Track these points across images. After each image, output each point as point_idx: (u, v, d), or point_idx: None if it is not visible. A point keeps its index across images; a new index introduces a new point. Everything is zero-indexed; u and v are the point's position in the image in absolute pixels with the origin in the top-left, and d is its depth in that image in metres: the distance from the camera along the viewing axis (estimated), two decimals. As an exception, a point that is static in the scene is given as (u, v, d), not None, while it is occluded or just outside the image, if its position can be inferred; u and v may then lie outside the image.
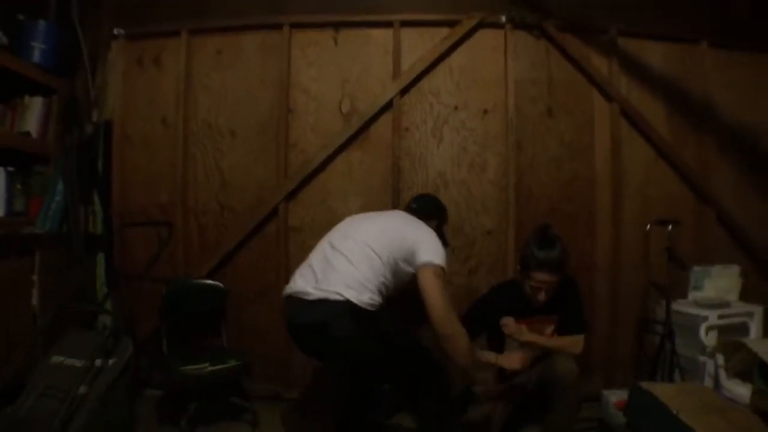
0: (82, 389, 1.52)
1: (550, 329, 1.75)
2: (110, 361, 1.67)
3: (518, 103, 2.15)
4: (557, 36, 2.19)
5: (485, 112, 2.18)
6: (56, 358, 1.67)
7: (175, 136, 2.30)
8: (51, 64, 2.18)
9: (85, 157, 2.32)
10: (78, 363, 1.63)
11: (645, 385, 1.55)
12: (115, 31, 2.39)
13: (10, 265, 1.90)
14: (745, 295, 2.12)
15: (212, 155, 2.29)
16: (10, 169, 2.05)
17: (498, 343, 1.79)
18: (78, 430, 1.43)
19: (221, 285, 2.14)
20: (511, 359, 1.66)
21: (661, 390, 1.50)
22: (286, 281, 2.14)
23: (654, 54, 2.29)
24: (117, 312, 2.27)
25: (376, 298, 1.40)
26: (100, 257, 2.41)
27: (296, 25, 2.23)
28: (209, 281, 2.16)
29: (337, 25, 2.21)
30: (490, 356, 1.69)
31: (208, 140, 2.29)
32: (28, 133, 2.16)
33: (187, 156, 2.29)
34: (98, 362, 1.62)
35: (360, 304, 1.35)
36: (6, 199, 2.04)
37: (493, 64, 2.18)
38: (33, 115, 2.20)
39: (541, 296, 1.67)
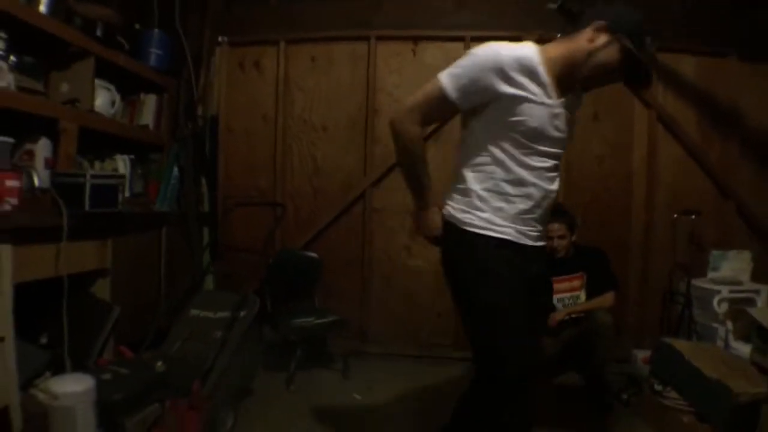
0: (219, 334, 1.79)
1: (578, 284, 2.18)
2: (241, 313, 1.95)
3: (569, 108, 2.54)
4: (605, 50, 2.55)
5: (541, 115, 2.57)
6: (194, 311, 1.99)
7: (274, 129, 2.74)
8: (163, 66, 2.55)
9: (195, 146, 2.79)
10: (211, 315, 1.94)
11: (666, 340, 1.96)
12: (219, 39, 2.81)
13: (145, 237, 2.30)
14: (756, 276, 2.49)
15: (307, 147, 2.72)
16: (131, 156, 2.42)
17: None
18: (221, 367, 1.67)
19: (317, 255, 2.59)
20: (552, 317, 2.10)
21: (679, 344, 1.91)
22: (369, 254, 2.64)
23: (687, 66, 2.63)
24: (220, 278, 2.76)
25: None
26: (206, 232, 2.89)
27: (381, 38, 2.63)
28: (308, 252, 2.60)
29: (416, 39, 2.61)
30: None
31: (303, 134, 2.73)
32: (146, 126, 2.56)
33: (285, 147, 2.73)
34: (236, 314, 1.90)
35: None
36: (129, 182, 2.39)
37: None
38: (148, 110, 2.58)
39: (555, 242, 2.12)
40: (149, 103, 2.61)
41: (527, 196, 1.13)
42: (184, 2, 2.75)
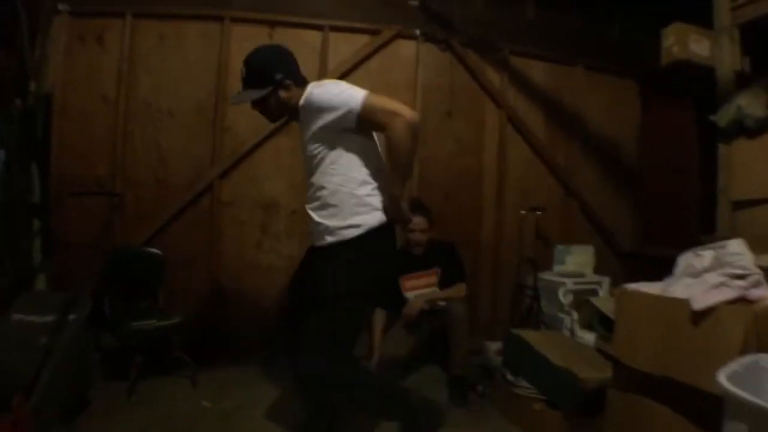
0: (44, 341, 1.59)
1: (432, 279, 2.24)
2: (70, 316, 1.75)
3: (424, 104, 2.57)
4: (460, 50, 2.63)
5: (397, 110, 2.57)
6: (17, 316, 1.74)
7: (115, 112, 2.47)
8: None
9: (25, 127, 2.44)
10: (36, 319, 1.72)
11: (516, 331, 2.03)
12: (59, 6, 2.49)
13: None
14: (599, 269, 2.69)
15: (151, 132, 2.49)
16: None
17: (401, 305, 2.23)
18: (47, 378, 1.50)
19: (159, 252, 2.36)
20: (410, 307, 2.13)
21: (527, 334, 1.98)
22: (218, 250, 2.47)
23: (538, 72, 2.79)
24: (53, 276, 2.44)
25: None
26: (36, 224, 2.55)
27: (236, 20, 2.48)
28: (150, 249, 2.37)
29: (273, 24, 2.49)
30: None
31: (147, 118, 2.49)
32: None
33: (126, 132, 2.47)
34: (63, 317, 1.70)
35: None
36: None
37: (405, 70, 2.58)
38: None
39: (417, 236, 2.21)
40: None
41: None
42: None
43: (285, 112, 1.41)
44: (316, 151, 1.31)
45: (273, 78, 1.35)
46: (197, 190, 2.45)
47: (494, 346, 2.42)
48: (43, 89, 2.52)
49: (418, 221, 2.18)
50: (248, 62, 1.40)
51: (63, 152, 2.49)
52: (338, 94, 1.27)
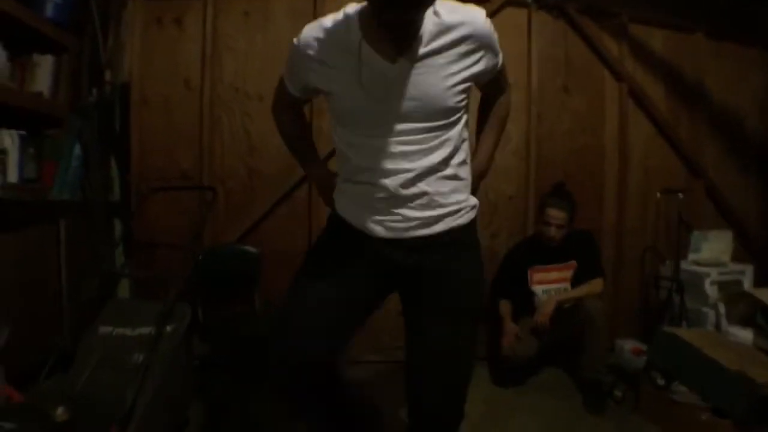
0: (139, 358, 1.41)
1: (569, 273, 2.00)
2: (168, 328, 1.56)
3: (539, 78, 2.30)
4: (575, 17, 2.35)
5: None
6: (104, 328, 1.57)
7: (199, 99, 2.27)
8: (64, 20, 2.05)
9: (102, 120, 2.27)
10: (128, 332, 1.55)
11: (669, 330, 1.78)
12: (133, -12, 2.31)
13: (36, 234, 1.83)
14: (734, 257, 2.40)
15: (240, 119, 2.28)
16: (21, 132, 1.90)
17: (526, 300, 1.98)
18: (146, 403, 1.33)
19: (254, 250, 2.17)
20: (542, 313, 1.89)
21: (684, 333, 1.74)
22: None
23: (657, 40, 2.50)
24: (139, 277, 2.27)
25: None
26: (117, 225, 2.38)
27: (327, -9, 2.25)
28: (244, 246, 2.18)
29: (370, -6, 2.26)
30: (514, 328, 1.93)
31: (235, 104, 2.28)
32: (39, 94, 2.04)
33: (213, 120, 2.27)
34: (160, 329, 1.50)
35: None
36: (18, 165, 1.89)
37: (517, 41, 2.31)
38: (44, 74, 2.06)
39: (552, 231, 1.95)
40: (45, 65, 2.07)
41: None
42: None
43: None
44: (461, 104, 0.93)
45: None
46: (293, 181, 2.23)
47: (629, 345, 2.19)
48: (120, 78, 2.34)
49: (556, 215, 1.93)
50: None
51: (144, 145, 2.30)
52: None
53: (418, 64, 0.88)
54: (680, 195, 2.19)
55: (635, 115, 2.43)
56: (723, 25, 2.60)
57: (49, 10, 2.00)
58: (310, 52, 0.94)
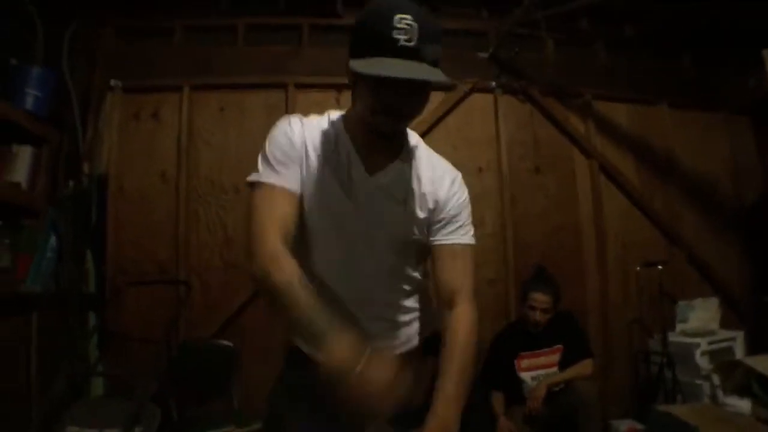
0: None
1: (556, 357, 1.96)
2: (137, 430, 1.57)
3: (510, 161, 2.35)
4: (540, 99, 2.43)
5: (480, 169, 2.35)
6: (73, 429, 1.59)
7: (175, 191, 2.29)
8: (43, 112, 2.09)
9: (78, 211, 2.27)
10: None
11: (662, 408, 1.70)
12: (112, 83, 2.37)
13: (6, 327, 1.80)
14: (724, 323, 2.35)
15: (215, 212, 2.29)
16: None
17: (515, 388, 1.95)
18: None
19: (232, 345, 2.11)
20: (534, 398, 1.85)
21: (678, 410, 1.63)
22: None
23: (621, 115, 2.58)
24: (111, 375, 2.20)
25: None
26: (91, 317, 2.33)
27: (300, 86, 2.33)
28: (221, 341, 2.12)
29: (340, 87, 2.33)
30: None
31: (211, 196, 2.30)
32: (18, 184, 2.05)
33: (189, 212, 2.28)
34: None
35: None
36: None
37: (485, 126, 2.38)
38: (22, 165, 2.07)
39: (538, 315, 1.93)
40: (23, 156, 2.08)
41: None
42: (73, 37, 2.33)
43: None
44: (421, 241, 0.91)
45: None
46: (269, 273, 2.22)
47: (623, 427, 2.13)
48: (97, 170, 2.37)
49: (541, 298, 1.92)
50: (426, 20, 0.76)
51: (120, 237, 2.30)
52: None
53: (389, 184, 0.87)
54: (659, 267, 2.19)
55: (608, 190, 2.47)
56: (685, 94, 2.70)
57: (29, 103, 2.04)
58: (298, 140, 0.88)
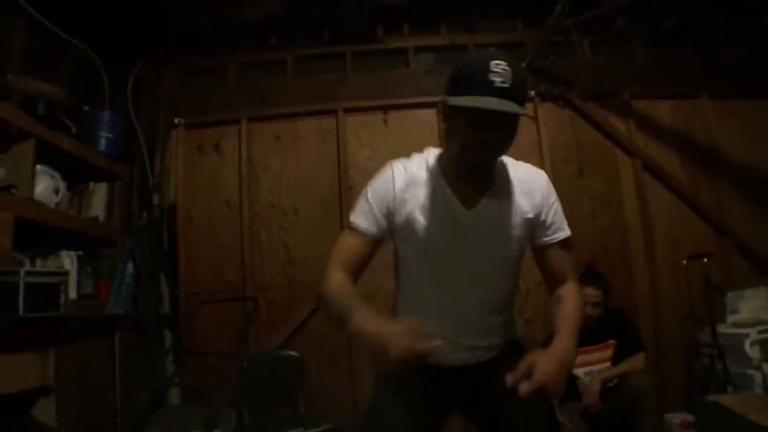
0: None
1: (606, 353, 2.00)
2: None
3: (553, 165, 2.42)
4: (579, 104, 2.49)
5: (525, 175, 2.42)
6: None
7: (239, 216, 2.48)
8: (115, 151, 2.35)
9: (151, 239, 2.49)
10: None
11: (711, 398, 1.72)
12: (176, 121, 2.59)
13: (93, 346, 2.02)
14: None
15: (277, 233, 2.47)
16: (79, 253, 2.16)
17: (569, 385, 1.98)
18: None
19: (297, 354, 2.27)
20: (589, 394, 1.90)
21: (725, 400, 1.67)
22: (358, 346, 2.33)
23: (663, 111, 2.59)
24: (187, 389, 2.39)
25: None
26: (167, 335, 2.54)
27: (349, 110, 2.48)
28: (287, 352, 2.29)
29: (386, 108, 2.47)
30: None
31: (272, 219, 2.48)
32: (96, 218, 2.30)
33: (252, 235, 2.47)
34: None
35: None
36: (77, 282, 2.13)
37: (527, 133, 2.45)
38: (98, 200, 2.35)
39: (590, 310, 1.97)
40: (99, 192, 2.37)
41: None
42: (136, 82, 2.58)
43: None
44: (521, 252, 1.03)
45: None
46: (331, 287, 2.37)
47: (677, 419, 2.14)
48: (167, 201, 2.60)
49: (592, 293, 1.99)
50: (517, 68, 0.87)
51: (190, 261, 2.50)
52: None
53: (488, 214, 0.97)
54: (705, 259, 2.20)
55: (653, 187, 2.49)
56: (726, 84, 2.67)
57: (103, 145, 2.30)
58: (396, 189, 0.98)
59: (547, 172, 2.43)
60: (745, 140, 2.65)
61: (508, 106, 0.82)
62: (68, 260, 2.09)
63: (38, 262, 1.96)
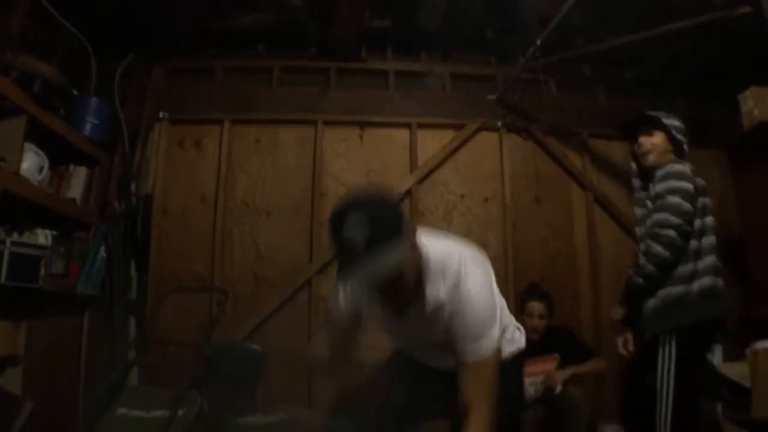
0: None
1: (553, 365, 2.15)
2: (179, 412, 1.75)
3: (513, 192, 2.62)
4: (541, 138, 2.71)
5: (486, 199, 2.63)
6: (122, 410, 1.79)
7: (213, 211, 2.57)
8: (98, 137, 2.40)
9: (126, 227, 2.56)
10: (143, 414, 1.76)
11: None
12: (161, 115, 2.68)
13: (63, 321, 2.08)
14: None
15: (249, 231, 2.57)
16: (54, 232, 2.18)
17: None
18: None
19: (260, 348, 2.34)
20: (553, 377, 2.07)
21: None
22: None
23: (616, 151, 2.82)
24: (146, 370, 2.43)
25: None
26: (132, 320, 2.58)
27: (328, 122, 2.62)
28: (251, 345, 2.36)
29: (363, 124, 2.63)
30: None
31: (246, 217, 2.58)
32: (73, 200, 2.34)
33: (225, 230, 2.56)
34: (174, 412, 1.69)
35: None
36: (49, 260, 2.11)
37: (491, 160, 2.65)
38: (77, 183, 2.39)
39: (536, 321, 2.16)
40: (79, 175, 2.41)
41: None
42: (124, 72, 2.65)
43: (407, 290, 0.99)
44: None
45: (402, 225, 0.93)
46: (295, 286, 2.48)
47: (610, 429, 2.33)
48: (144, 191, 2.67)
49: (536, 305, 2.18)
50: (368, 213, 0.91)
51: (162, 250, 2.57)
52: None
53: (416, 319, 1.04)
54: None
55: (602, 219, 2.70)
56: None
57: (88, 130, 2.35)
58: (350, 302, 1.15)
59: (507, 198, 2.69)
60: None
61: (368, 268, 0.88)
62: (43, 238, 2.11)
63: (13, 236, 1.96)
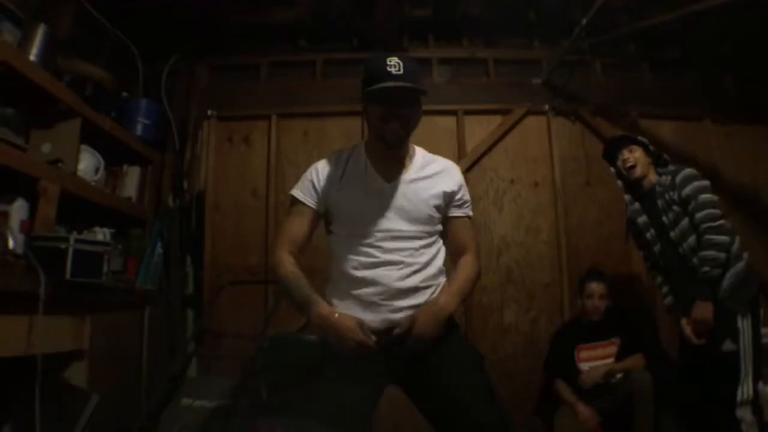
0: (217, 426, 1.66)
1: (613, 350, 2.13)
2: (242, 401, 1.85)
3: (563, 176, 2.58)
4: (590, 120, 2.66)
5: (536, 184, 2.61)
6: (185, 400, 1.87)
7: (265, 205, 2.63)
8: (150, 137, 2.49)
9: (180, 223, 2.64)
10: (206, 404, 1.83)
11: None
12: (209, 113, 2.75)
13: (127, 316, 2.15)
14: None
15: (300, 222, 2.61)
16: (111, 230, 2.26)
17: (573, 378, 2.14)
18: None
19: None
20: (588, 375, 2.07)
21: None
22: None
23: (667, 131, 2.76)
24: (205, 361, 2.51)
25: None
26: (189, 314, 2.67)
27: (373, 113, 2.64)
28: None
29: (408, 113, 2.63)
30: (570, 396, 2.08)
31: (296, 209, 2.62)
32: (129, 198, 2.43)
33: (277, 223, 2.61)
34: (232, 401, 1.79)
35: None
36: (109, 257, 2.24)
37: (539, 144, 2.63)
38: (131, 182, 2.48)
39: (596, 302, 2.15)
40: (133, 174, 2.50)
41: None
42: (171, 73, 2.73)
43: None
44: (436, 215, 1.27)
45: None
46: (348, 276, 2.51)
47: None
48: (196, 188, 2.74)
49: (596, 287, 2.16)
50: (402, 59, 1.16)
51: (216, 245, 2.65)
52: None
53: (407, 184, 1.22)
54: None
55: (655, 201, 2.65)
56: (727, 110, 2.85)
57: (139, 130, 2.44)
58: (334, 168, 1.27)
59: (557, 182, 2.65)
60: (742, 162, 2.82)
61: (400, 83, 1.11)
62: (101, 236, 2.19)
63: (74, 234, 2.06)
